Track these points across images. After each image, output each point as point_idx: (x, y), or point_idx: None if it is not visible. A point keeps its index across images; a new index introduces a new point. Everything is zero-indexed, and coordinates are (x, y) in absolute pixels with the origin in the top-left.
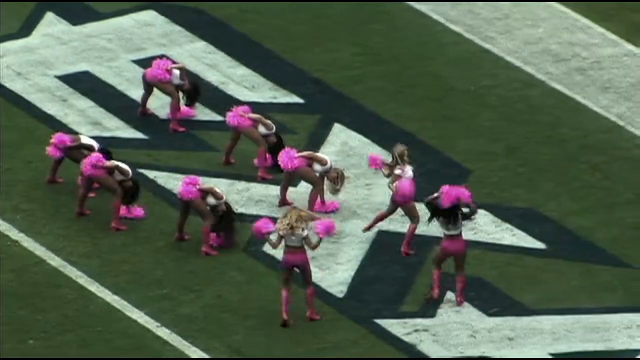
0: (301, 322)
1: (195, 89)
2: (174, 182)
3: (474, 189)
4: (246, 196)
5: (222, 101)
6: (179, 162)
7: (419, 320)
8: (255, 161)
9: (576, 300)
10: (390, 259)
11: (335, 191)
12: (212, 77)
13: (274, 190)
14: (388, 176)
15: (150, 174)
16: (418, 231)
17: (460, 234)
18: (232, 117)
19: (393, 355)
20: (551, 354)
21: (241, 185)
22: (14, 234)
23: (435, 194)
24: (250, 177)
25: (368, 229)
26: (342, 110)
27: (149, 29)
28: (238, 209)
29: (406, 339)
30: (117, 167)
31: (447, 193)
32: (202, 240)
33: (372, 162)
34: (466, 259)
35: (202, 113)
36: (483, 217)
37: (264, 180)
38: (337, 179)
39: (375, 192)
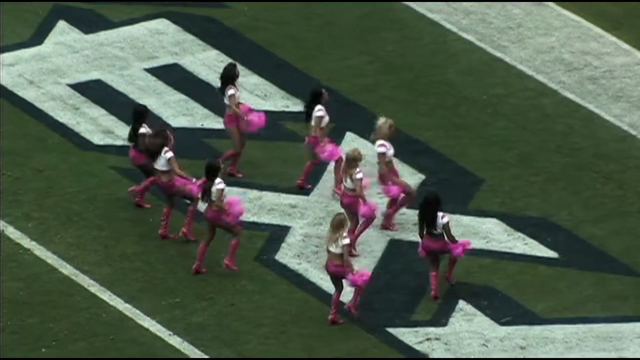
0: (313, 331)
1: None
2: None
3: (487, 197)
4: (258, 205)
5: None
6: (191, 170)
7: (430, 329)
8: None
9: (588, 310)
10: (401, 268)
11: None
12: None
13: (286, 198)
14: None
15: None
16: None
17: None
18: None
19: None
20: None
21: (253, 193)
22: (26, 242)
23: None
24: (261, 186)
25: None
26: (354, 119)
27: (161, 37)
28: (250, 217)
29: (418, 347)
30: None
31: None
32: (216, 250)
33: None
34: (474, 265)
35: (214, 122)
36: (495, 226)
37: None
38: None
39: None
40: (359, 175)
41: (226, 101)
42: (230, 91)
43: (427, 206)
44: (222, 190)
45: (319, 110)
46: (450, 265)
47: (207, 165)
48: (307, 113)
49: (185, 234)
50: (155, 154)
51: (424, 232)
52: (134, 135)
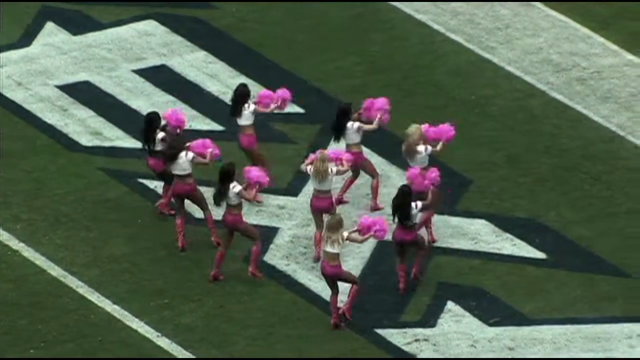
0: (301, 332)
1: None
2: None
3: (475, 198)
4: (246, 205)
5: (222, 111)
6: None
7: (419, 330)
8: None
9: (577, 310)
10: (390, 269)
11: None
12: (212, 87)
13: (274, 200)
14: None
15: (151, 184)
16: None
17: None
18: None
19: None
20: None
21: None
22: (14, 243)
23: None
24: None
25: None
26: None
27: (149, 38)
28: None
29: (406, 348)
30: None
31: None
32: (247, 260)
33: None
34: (462, 266)
35: (203, 123)
36: (484, 227)
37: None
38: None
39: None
40: (335, 168)
41: (244, 121)
42: (253, 106)
43: (402, 199)
44: (239, 192)
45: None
46: (417, 260)
47: (221, 170)
48: (338, 131)
49: (217, 243)
50: (172, 159)
51: (397, 224)
52: (149, 143)
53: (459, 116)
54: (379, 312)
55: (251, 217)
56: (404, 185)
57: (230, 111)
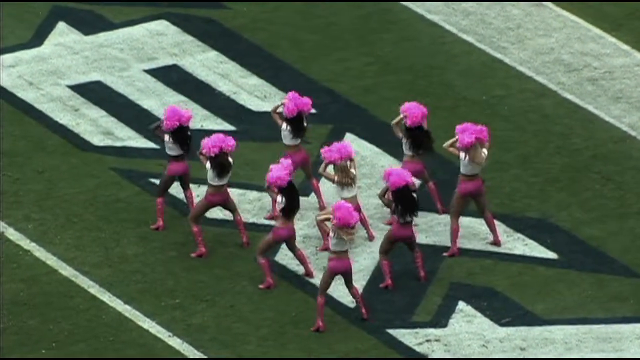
0: (312, 332)
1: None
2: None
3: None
4: (258, 206)
5: (233, 111)
6: (191, 172)
7: (430, 330)
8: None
9: (588, 311)
10: (401, 269)
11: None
12: (223, 86)
13: None
14: None
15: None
16: (429, 241)
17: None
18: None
19: None
20: None
21: (253, 194)
22: (26, 243)
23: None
24: (261, 187)
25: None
26: (353, 120)
27: (161, 38)
28: (249, 218)
29: (418, 349)
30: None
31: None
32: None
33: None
34: (474, 266)
35: (214, 123)
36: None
37: None
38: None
39: None
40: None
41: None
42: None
43: (409, 194)
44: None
45: None
46: (420, 263)
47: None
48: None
49: (247, 244)
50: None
51: (402, 221)
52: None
53: (470, 116)
54: (390, 312)
55: (261, 218)
56: (405, 186)
57: (300, 134)
